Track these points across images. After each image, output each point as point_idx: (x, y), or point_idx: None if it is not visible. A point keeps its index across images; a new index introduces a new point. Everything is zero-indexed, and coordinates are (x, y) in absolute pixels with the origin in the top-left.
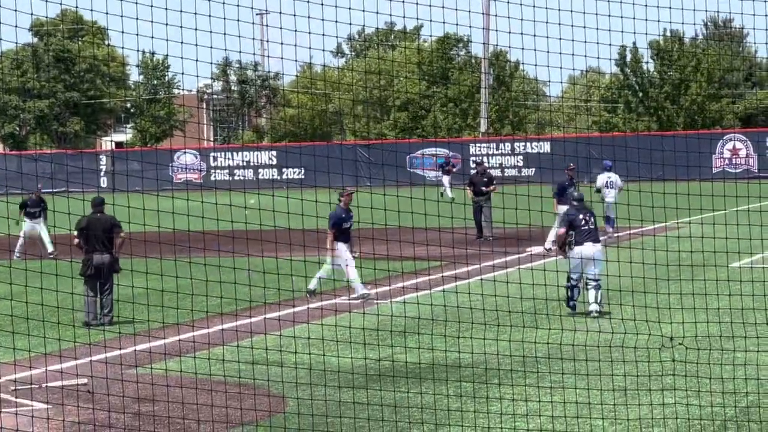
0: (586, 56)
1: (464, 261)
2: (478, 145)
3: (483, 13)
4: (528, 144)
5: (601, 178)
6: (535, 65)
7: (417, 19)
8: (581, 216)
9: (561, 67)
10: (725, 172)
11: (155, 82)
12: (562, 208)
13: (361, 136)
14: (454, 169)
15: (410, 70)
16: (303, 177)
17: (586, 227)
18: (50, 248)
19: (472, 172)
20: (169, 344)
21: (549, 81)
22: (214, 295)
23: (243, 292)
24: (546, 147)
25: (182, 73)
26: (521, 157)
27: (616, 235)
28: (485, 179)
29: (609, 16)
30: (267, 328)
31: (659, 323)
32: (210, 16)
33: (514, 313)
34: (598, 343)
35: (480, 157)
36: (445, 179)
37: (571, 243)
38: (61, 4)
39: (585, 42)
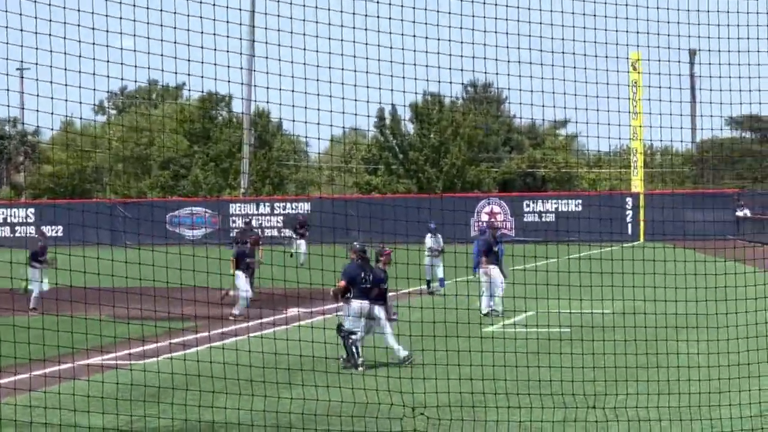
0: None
1: (220, 322)
2: (238, 204)
3: (243, 84)
4: (288, 204)
5: (429, 240)
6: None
7: (165, 85)
8: (362, 274)
9: (314, 138)
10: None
11: None
12: (492, 268)
13: (121, 194)
14: (307, 233)
15: (172, 128)
16: (61, 235)
17: (364, 285)
18: (242, 308)
19: (237, 231)
20: None
21: (307, 144)
22: None
23: None
24: (306, 207)
25: None
26: (281, 217)
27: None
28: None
29: (364, 87)
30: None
31: (401, 393)
32: None
33: (270, 382)
34: (340, 411)
35: (249, 217)
36: (301, 242)
37: (349, 297)
38: None
39: (340, 107)
